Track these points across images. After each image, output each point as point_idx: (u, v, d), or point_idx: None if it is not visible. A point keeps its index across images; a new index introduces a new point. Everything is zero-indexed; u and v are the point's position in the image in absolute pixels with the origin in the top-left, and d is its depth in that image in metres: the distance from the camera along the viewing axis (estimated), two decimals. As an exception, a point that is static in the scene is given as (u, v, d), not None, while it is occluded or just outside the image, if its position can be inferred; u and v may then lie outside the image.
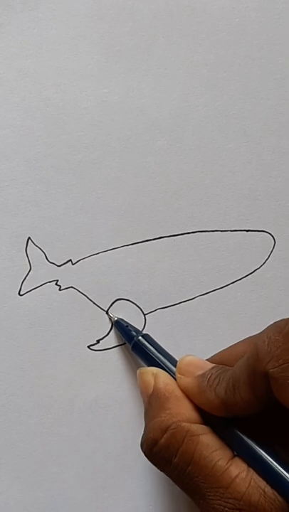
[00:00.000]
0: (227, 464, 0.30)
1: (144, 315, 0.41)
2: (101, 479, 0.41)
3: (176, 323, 0.41)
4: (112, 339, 0.41)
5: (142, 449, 0.33)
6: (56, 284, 0.41)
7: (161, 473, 0.39)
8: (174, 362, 0.36)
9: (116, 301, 0.41)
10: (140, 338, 0.39)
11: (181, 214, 0.41)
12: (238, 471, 0.30)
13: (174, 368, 0.36)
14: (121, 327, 0.40)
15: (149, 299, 0.41)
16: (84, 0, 0.41)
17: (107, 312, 0.40)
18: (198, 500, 0.31)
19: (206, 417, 0.33)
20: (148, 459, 0.33)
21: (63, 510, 0.41)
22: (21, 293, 0.41)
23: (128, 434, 0.41)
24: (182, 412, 0.32)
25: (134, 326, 0.41)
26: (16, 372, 0.40)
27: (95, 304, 0.41)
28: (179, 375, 0.34)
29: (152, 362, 0.37)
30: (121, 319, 0.40)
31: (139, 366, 0.41)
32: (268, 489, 0.29)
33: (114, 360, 0.41)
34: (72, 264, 0.41)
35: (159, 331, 0.41)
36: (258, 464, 0.30)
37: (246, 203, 0.41)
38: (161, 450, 0.32)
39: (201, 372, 0.34)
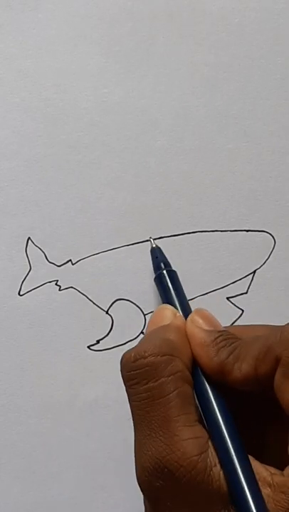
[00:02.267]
0: (192, 424, 0.29)
1: (144, 315, 0.41)
2: (101, 479, 0.41)
3: (176, 323, 0.41)
4: (112, 339, 0.41)
5: (122, 359, 0.32)
6: (56, 284, 0.41)
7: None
8: (188, 311, 0.36)
9: (116, 301, 0.41)
10: (164, 272, 0.38)
11: (181, 214, 0.41)
12: (193, 435, 0.29)
13: (183, 312, 0.35)
14: (154, 255, 0.40)
15: (149, 299, 0.41)
16: (84, 0, 0.41)
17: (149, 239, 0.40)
18: (143, 435, 0.30)
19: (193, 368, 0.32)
20: (124, 367, 0.31)
21: (63, 510, 0.41)
22: (21, 293, 0.41)
23: (128, 434, 0.41)
24: (184, 354, 0.31)
25: (134, 326, 0.41)
26: (16, 372, 0.41)
27: (95, 304, 0.41)
28: (190, 321, 0.34)
29: (169, 299, 0.37)
30: (158, 248, 0.40)
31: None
32: (216, 469, 0.28)
33: (114, 360, 0.41)
34: (72, 264, 0.41)
35: (159, 331, 0.41)
36: (215, 441, 0.29)
37: (246, 203, 0.41)
38: (148, 366, 0.30)
39: (211, 328, 0.33)
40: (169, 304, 0.36)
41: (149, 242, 0.41)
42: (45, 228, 0.41)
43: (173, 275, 0.38)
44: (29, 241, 0.41)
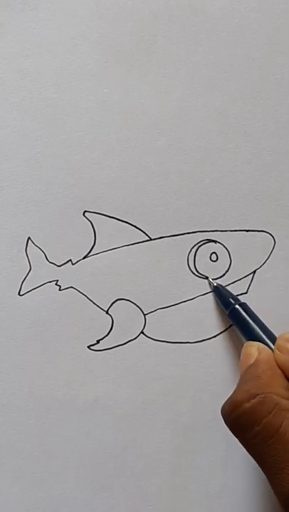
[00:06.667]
0: None
1: (144, 315, 0.41)
2: (101, 479, 0.41)
3: (176, 323, 0.41)
4: (112, 339, 0.41)
5: (221, 412, 0.33)
6: (56, 284, 0.41)
7: (162, 474, 0.39)
8: (271, 336, 0.36)
9: (116, 301, 0.41)
10: (237, 306, 0.38)
11: (181, 214, 0.41)
12: None
13: (270, 343, 0.36)
14: (219, 293, 0.40)
15: (149, 299, 0.41)
16: (84, 0, 0.41)
17: (206, 279, 0.40)
18: (273, 473, 0.30)
19: None
20: (226, 421, 0.32)
21: (63, 510, 0.41)
22: (21, 293, 0.41)
23: (128, 434, 0.41)
24: (276, 385, 0.32)
25: (135, 326, 0.41)
26: (16, 372, 0.41)
27: (95, 304, 0.41)
28: (277, 352, 0.34)
29: (249, 333, 0.37)
30: (220, 285, 0.40)
31: (142, 365, 0.41)
32: None
33: (114, 360, 0.41)
34: (72, 264, 0.41)
35: (159, 331, 0.41)
36: None
37: (246, 203, 0.41)
38: (245, 414, 0.31)
39: None
40: (251, 337, 0.37)
41: (150, 242, 0.41)
42: (45, 228, 0.41)
43: (246, 307, 0.39)
44: (29, 241, 0.41)
